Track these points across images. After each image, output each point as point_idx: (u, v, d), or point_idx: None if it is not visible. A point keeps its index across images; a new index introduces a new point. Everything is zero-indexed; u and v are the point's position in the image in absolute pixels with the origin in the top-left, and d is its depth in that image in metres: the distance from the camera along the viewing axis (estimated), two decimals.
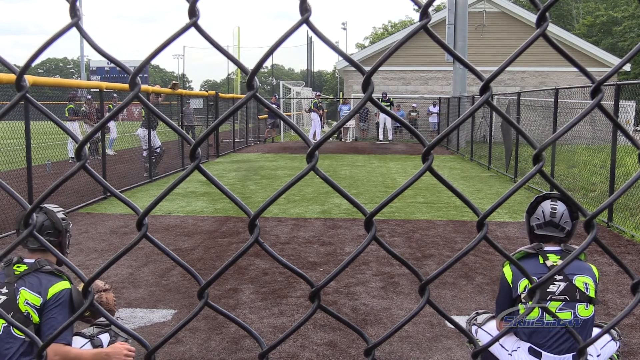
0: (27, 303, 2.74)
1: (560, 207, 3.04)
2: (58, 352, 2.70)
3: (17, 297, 2.74)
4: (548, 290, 2.87)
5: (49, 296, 2.77)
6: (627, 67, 29.52)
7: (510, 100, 13.27)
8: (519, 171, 12.06)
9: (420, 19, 0.74)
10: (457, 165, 15.44)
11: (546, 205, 3.07)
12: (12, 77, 6.82)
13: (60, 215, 3.07)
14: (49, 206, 3.10)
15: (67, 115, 15.16)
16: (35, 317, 2.73)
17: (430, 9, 0.73)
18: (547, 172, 0.84)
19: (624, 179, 8.77)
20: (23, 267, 2.87)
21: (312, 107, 23.47)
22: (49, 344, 0.88)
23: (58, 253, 0.85)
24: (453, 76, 21.38)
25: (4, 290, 2.79)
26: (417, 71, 25.60)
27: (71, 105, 15.18)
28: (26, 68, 0.79)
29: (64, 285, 2.83)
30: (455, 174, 13.51)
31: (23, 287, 2.77)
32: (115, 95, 16.70)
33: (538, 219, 3.07)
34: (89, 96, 16.31)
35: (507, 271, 3.04)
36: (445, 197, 9.89)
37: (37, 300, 2.75)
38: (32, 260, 2.90)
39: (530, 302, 2.89)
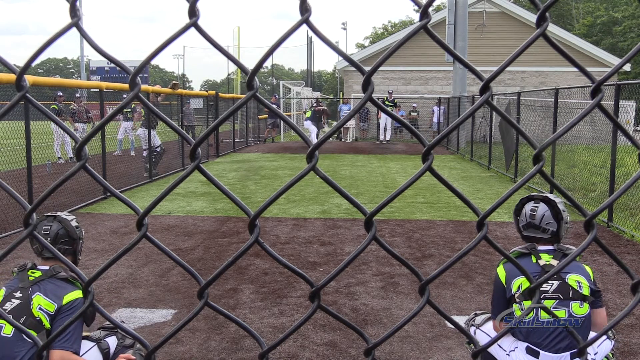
0: (40, 309, 2.74)
1: (541, 208, 3.03)
2: (65, 358, 2.71)
3: (31, 302, 2.75)
4: (541, 289, 2.87)
5: (63, 303, 2.77)
6: (627, 67, 29.53)
7: (510, 100, 13.28)
8: (519, 171, 12.06)
9: (420, 19, 0.74)
10: (457, 165, 15.44)
11: (527, 207, 3.09)
12: (12, 77, 6.82)
13: (74, 223, 3.08)
14: (63, 214, 3.09)
15: None
16: (47, 323, 2.73)
17: (430, 9, 0.73)
18: (547, 172, 0.84)
19: (624, 179, 8.77)
20: (38, 273, 2.87)
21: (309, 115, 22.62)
22: (49, 344, 0.88)
23: (60, 255, 0.85)
24: (453, 76, 21.37)
25: (18, 294, 2.79)
26: (417, 71, 25.61)
27: (54, 106, 15.04)
28: (26, 68, 0.79)
29: (79, 294, 2.83)
30: (455, 174, 13.51)
31: (38, 293, 2.78)
32: (125, 96, 16.67)
33: (522, 220, 3.10)
34: (77, 95, 16.19)
35: (501, 271, 3.04)
36: (445, 197, 9.89)
37: (52, 306, 2.75)
38: (47, 267, 2.90)
39: (525, 302, 2.90)
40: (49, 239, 2.95)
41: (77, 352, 2.76)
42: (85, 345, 2.99)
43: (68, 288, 2.83)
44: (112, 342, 3.10)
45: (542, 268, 2.89)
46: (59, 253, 0.86)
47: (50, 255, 2.95)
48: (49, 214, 3.09)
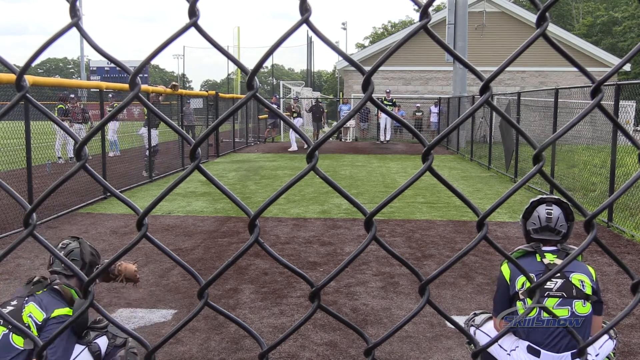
0: (30, 316, 2.77)
1: (556, 211, 3.05)
2: None
3: (23, 309, 2.80)
4: (545, 287, 2.89)
5: (52, 316, 2.80)
6: (627, 67, 29.52)
7: (510, 100, 13.28)
8: (519, 171, 12.06)
9: (420, 19, 0.74)
10: (457, 165, 15.44)
11: (541, 210, 3.08)
12: (12, 77, 6.81)
13: (91, 250, 3.17)
14: (87, 242, 3.23)
15: (55, 115, 15.00)
16: (34, 331, 2.74)
17: (430, 9, 0.73)
18: (547, 172, 0.84)
19: (624, 179, 8.77)
20: (37, 285, 2.96)
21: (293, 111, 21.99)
22: (50, 343, 0.88)
23: (52, 247, 0.85)
24: (453, 76, 21.37)
25: (14, 302, 2.86)
26: (417, 71, 25.60)
27: (61, 105, 15.03)
28: (26, 68, 0.79)
29: (69, 311, 2.87)
30: (455, 174, 13.51)
31: (32, 302, 2.83)
32: (111, 95, 16.59)
33: (534, 223, 3.09)
34: (71, 95, 16.15)
35: (505, 269, 3.06)
36: (445, 197, 9.89)
37: (40, 316, 2.79)
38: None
39: (529, 300, 2.91)
40: (63, 252, 3.06)
41: None
42: (76, 349, 2.99)
43: (60, 304, 2.87)
44: (102, 343, 3.07)
45: (546, 267, 2.91)
46: (57, 252, 0.86)
47: (59, 270, 3.03)
48: (73, 235, 3.23)
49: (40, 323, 2.77)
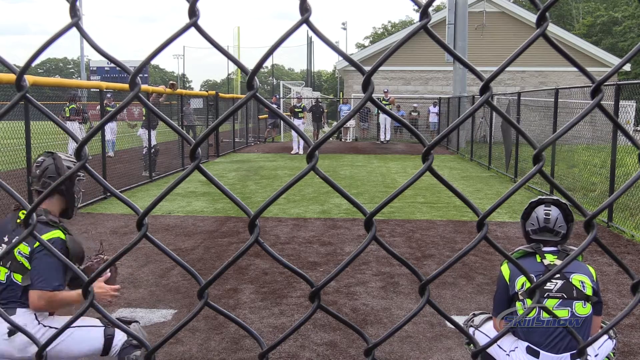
0: (19, 252, 2.83)
1: (554, 212, 3.04)
2: (42, 297, 2.78)
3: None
4: (545, 287, 2.89)
5: (36, 244, 2.82)
6: (627, 67, 29.53)
7: (510, 100, 13.28)
8: (519, 171, 12.06)
9: (420, 19, 0.74)
10: (457, 165, 15.44)
11: (540, 211, 3.08)
12: (12, 77, 6.81)
13: (67, 162, 3.09)
14: (61, 153, 3.13)
15: (67, 115, 14.99)
16: (28, 266, 2.82)
17: (430, 9, 0.73)
18: (547, 172, 0.84)
19: (624, 179, 8.77)
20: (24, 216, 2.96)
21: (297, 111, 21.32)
22: (48, 344, 0.88)
23: (51, 247, 0.85)
24: (453, 76, 21.37)
25: (6, 239, 2.91)
26: (417, 71, 25.61)
27: (73, 105, 15.03)
28: (26, 68, 0.79)
29: (55, 234, 2.88)
30: (455, 174, 13.51)
31: (17, 237, 2.84)
32: (109, 95, 16.57)
33: (533, 224, 3.08)
34: (78, 95, 16.14)
35: (505, 269, 3.06)
36: (445, 197, 9.89)
37: (26, 249, 2.83)
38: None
39: (528, 300, 2.90)
40: (38, 171, 3.02)
41: (56, 290, 2.82)
42: (93, 322, 3.04)
43: (44, 230, 2.86)
44: (120, 333, 3.05)
45: (546, 267, 2.91)
46: (65, 258, 0.86)
47: (39, 188, 3.01)
48: (49, 151, 3.14)
49: (28, 255, 2.82)
